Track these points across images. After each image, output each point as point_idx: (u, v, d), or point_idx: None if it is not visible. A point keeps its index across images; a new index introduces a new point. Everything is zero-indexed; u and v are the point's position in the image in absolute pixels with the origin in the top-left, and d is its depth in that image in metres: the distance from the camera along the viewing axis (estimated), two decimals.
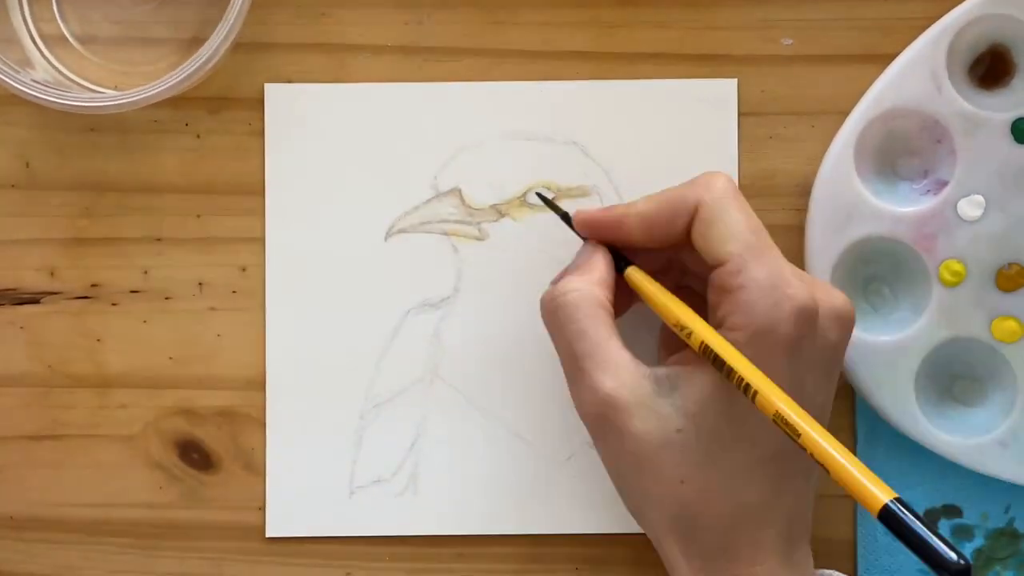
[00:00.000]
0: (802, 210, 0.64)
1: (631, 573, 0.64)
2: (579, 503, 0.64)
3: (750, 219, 0.57)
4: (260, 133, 0.64)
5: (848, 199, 0.62)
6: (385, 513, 0.64)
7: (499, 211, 0.64)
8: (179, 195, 0.64)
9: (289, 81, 0.64)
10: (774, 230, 0.63)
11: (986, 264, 0.62)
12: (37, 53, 0.64)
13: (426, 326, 0.64)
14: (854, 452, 0.64)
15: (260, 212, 0.64)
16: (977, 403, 0.63)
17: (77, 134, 0.64)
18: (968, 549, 0.64)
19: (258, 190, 0.64)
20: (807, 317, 0.55)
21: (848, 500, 0.64)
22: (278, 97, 0.64)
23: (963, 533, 0.64)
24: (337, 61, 0.64)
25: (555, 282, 0.59)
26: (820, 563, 0.64)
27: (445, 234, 0.64)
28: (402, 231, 0.64)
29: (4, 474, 0.65)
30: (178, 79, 0.60)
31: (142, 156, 0.64)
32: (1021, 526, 0.64)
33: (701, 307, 0.58)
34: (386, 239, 0.64)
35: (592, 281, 0.58)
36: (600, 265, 0.58)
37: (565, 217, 0.61)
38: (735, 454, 0.55)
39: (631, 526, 0.64)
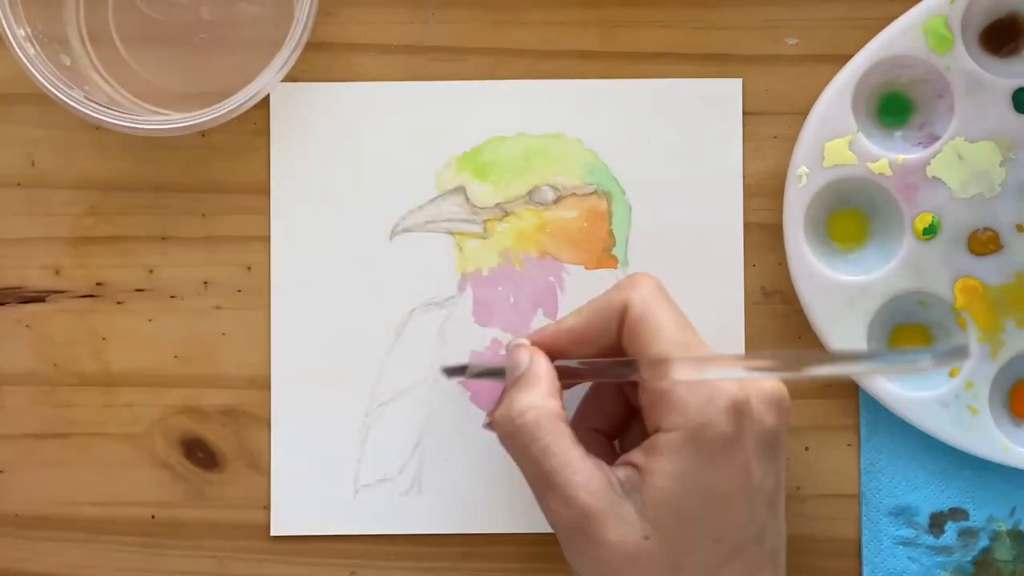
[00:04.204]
0: None
1: None
2: None
3: (677, 317, 0.57)
4: (265, 132, 0.64)
5: (838, 133, 0.62)
6: (390, 512, 0.64)
7: (504, 210, 0.64)
8: (184, 194, 0.65)
9: (294, 80, 0.64)
10: (777, 230, 0.64)
11: (961, 224, 0.62)
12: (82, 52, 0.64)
13: (431, 325, 0.64)
14: (858, 455, 0.64)
15: (265, 211, 0.64)
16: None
17: (82, 133, 0.64)
18: (975, 551, 0.64)
19: (263, 189, 0.64)
20: (740, 408, 0.55)
21: (835, 498, 0.64)
22: (283, 96, 0.64)
23: (969, 536, 0.64)
24: (342, 60, 0.64)
25: (502, 401, 0.58)
26: (825, 563, 0.64)
27: (450, 233, 0.64)
28: (407, 230, 0.64)
29: (9, 473, 0.65)
30: (242, 100, 0.60)
31: (147, 155, 0.64)
32: None
33: (633, 416, 0.59)
34: (391, 238, 0.64)
35: (544, 394, 0.57)
36: (544, 373, 0.58)
37: (459, 371, 0.61)
38: (702, 554, 0.55)
39: None
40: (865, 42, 0.63)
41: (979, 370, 0.62)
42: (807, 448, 0.64)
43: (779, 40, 0.65)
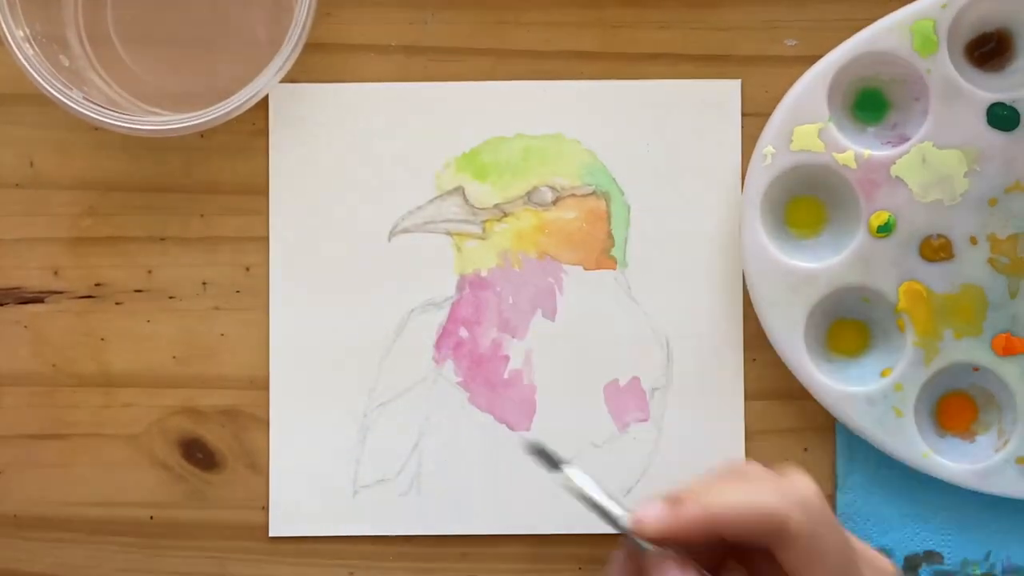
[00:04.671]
0: None
1: None
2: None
3: (843, 548, 0.52)
4: (264, 133, 0.64)
5: (809, 119, 0.62)
6: (389, 513, 0.64)
7: (503, 210, 0.64)
8: (183, 195, 0.65)
9: (293, 81, 0.64)
10: None
11: (916, 228, 0.62)
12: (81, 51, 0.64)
13: (430, 325, 0.64)
14: (834, 497, 0.64)
15: (264, 212, 0.64)
16: (857, 354, 0.64)
17: (81, 133, 0.64)
18: None
19: (262, 190, 0.64)
20: None
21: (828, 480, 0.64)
22: (282, 97, 0.64)
23: None
24: (341, 61, 0.64)
25: None
26: None
27: (448, 234, 0.64)
28: (405, 230, 0.64)
29: (8, 473, 0.65)
30: (240, 101, 0.60)
31: (146, 155, 0.64)
32: (1001, 572, 0.64)
33: None
34: (390, 239, 0.64)
35: None
36: None
37: (549, 460, 0.54)
38: None
39: None
40: None
41: (910, 374, 0.62)
42: (806, 449, 0.64)
43: (778, 41, 0.65)
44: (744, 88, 0.64)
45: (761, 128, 0.64)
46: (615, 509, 0.52)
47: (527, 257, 0.64)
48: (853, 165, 0.62)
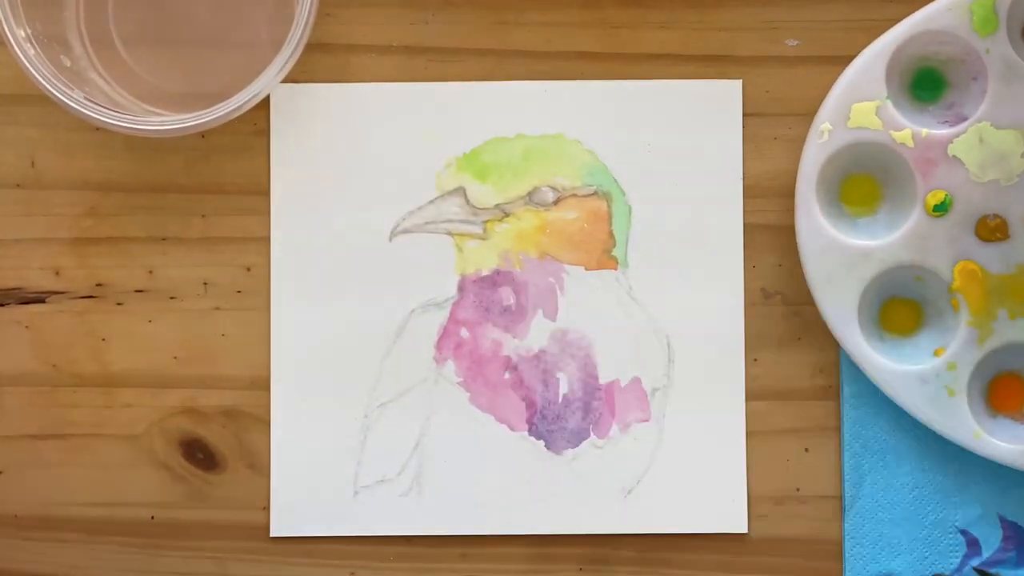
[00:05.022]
0: None
1: (634, 573, 0.64)
2: (583, 503, 0.64)
3: None
4: (265, 133, 0.64)
5: (867, 96, 0.62)
6: (389, 513, 0.64)
7: (504, 211, 0.64)
8: (184, 195, 0.65)
9: (294, 81, 0.64)
10: (777, 231, 0.64)
11: (973, 207, 0.62)
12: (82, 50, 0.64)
13: (430, 326, 0.64)
14: (841, 520, 0.64)
15: (265, 212, 0.64)
16: (910, 333, 0.64)
17: (82, 134, 0.64)
18: None
19: (263, 190, 0.64)
20: None
21: (835, 500, 0.64)
22: (283, 97, 0.64)
23: None
24: (342, 61, 0.64)
25: None
26: (826, 564, 0.64)
27: (449, 234, 0.64)
28: (406, 231, 0.64)
29: (9, 473, 0.65)
30: (242, 101, 0.60)
31: (147, 156, 0.64)
32: None
33: None
34: (390, 239, 0.64)
35: None
36: None
37: None
38: None
39: (634, 526, 0.64)
40: (865, 44, 0.63)
41: (964, 354, 0.62)
42: (807, 449, 0.64)
43: (779, 41, 0.65)
44: (745, 88, 0.64)
45: (762, 128, 0.64)
46: None
47: (528, 257, 0.64)
48: (911, 144, 0.62)
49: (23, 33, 0.60)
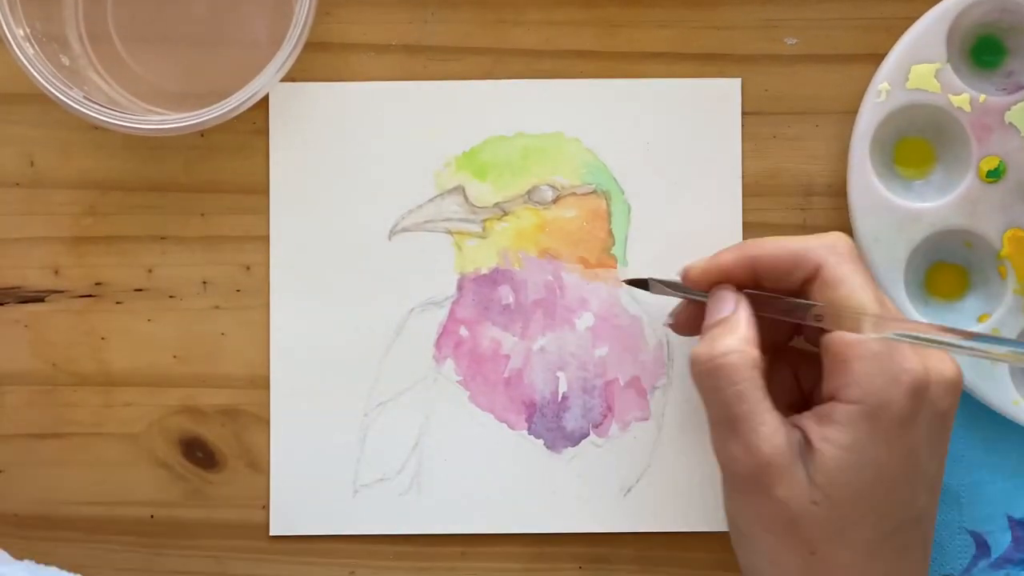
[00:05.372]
0: (806, 209, 0.64)
1: (634, 572, 0.64)
2: (583, 502, 0.64)
3: (873, 288, 0.57)
4: (264, 132, 0.64)
5: (927, 59, 0.62)
6: (389, 512, 0.64)
7: (503, 209, 0.64)
8: (183, 194, 0.65)
9: (293, 80, 0.64)
10: (777, 230, 0.64)
11: None
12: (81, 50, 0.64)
13: (430, 324, 0.64)
14: None
15: (264, 210, 0.64)
16: (955, 298, 0.64)
17: (81, 133, 0.64)
18: None
19: (262, 189, 0.64)
20: (920, 390, 0.55)
21: None
22: (282, 96, 0.64)
23: None
24: (341, 60, 0.64)
25: (704, 339, 0.58)
26: None
27: (448, 232, 0.64)
28: (406, 229, 0.64)
29: (8, 472, 0.65)
30: (240, 100, 0.60)
31: (146, 155, 0.64)
32: None
33: (798, 361, 0.60)
34: (390, 238, 0.64)
35: (745, 340, 0.57)
36: (745, 321, 0.57)
37: (642, 284, 0.61)
38: (863, 529, 0.55)
39: (634, 525, 0.64)
40: (864, 43, 0.63)
41: (1009, 321, 0.62)
42: None
43: (778, 40, 0.65)
44: (744, 87, 0.64)
45: (761, 127, 0.64)
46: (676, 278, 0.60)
47: (527, 256, 0.64)
48: (968, 108, 0.62)
49: (22, 32, 0.60)
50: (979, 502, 0.64)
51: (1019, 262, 0.62)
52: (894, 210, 0.62)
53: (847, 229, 0.62)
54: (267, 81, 0.60)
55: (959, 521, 0.64)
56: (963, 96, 0.62)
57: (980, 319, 0.63)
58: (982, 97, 0.62)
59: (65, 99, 0.60)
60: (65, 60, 0.62)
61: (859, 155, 0.62)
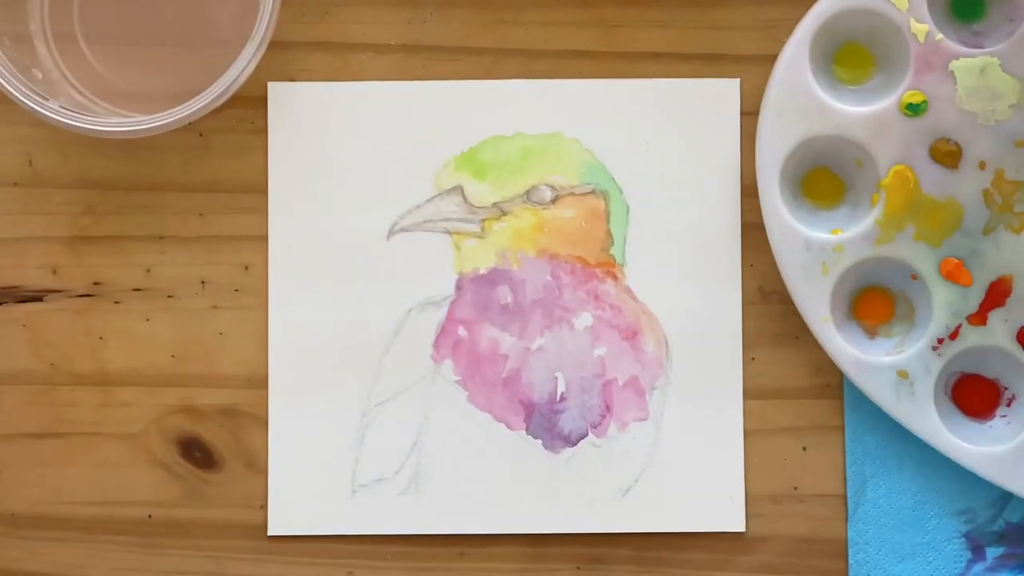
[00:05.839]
0: None
1: (632, 573, 0.64)
2: (581, 502, 0.64)
3: None
4: (263, 131, 0.64)
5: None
6: (387, 512, 0.64)
7: (501, 209, 0.64)
8: (182, 193, 0.65)
9: (292, 80, 0.64)
10: None
11: (940, 125, 0.62)
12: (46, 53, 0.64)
13: (428, 324, 0.64)
14: (845, 525, 0.64)
15: (263, 210, 0.64)
16: (824, 205, 0.64)
17: (79, 133, 0.64)
18: None
19: (261, 188, 0.64)
20: None
21: (833, 499, 0.64)
22: (281, 95, 0.64)
23: None
24: (340, 59, 0.65)
25: None
26: (823, 563, 0.64)
27: (447, 232, 0.64)
28: (404, 229, 0.64)
29: (6, 472, 0.65)
30: (210, 99, 0.59)
31: (145, 154, 0.64)
32: None
33: None
34: (388, 237, 0.64)
35: None
36: None
37: None
38: None
39: (632, 526, 0.64)
40: None
41: (855, 244, 0.62)
42: (804, 448, 0.64)
43: (777, 40, 0.65)
44: (743, 87, 0.64)
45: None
46: None
47: (526, 256, 0.64)
48: (921, 39, 0.62)
49: None
50: (974, 507, 0.64)
51: (893, 196, 0.62)
52: (809, 95, 0.62)
53: None
54: (229, 83, 0.59)
55: (954, 526, 0.64)
56: (923, 26, 0.62)
57: (833, 232, 0.63)
58: (939, 36, 0.62)
59: (44, 111, 0.60)
60: (38, 73, 0.62)
61: (804, 31, 0.62)
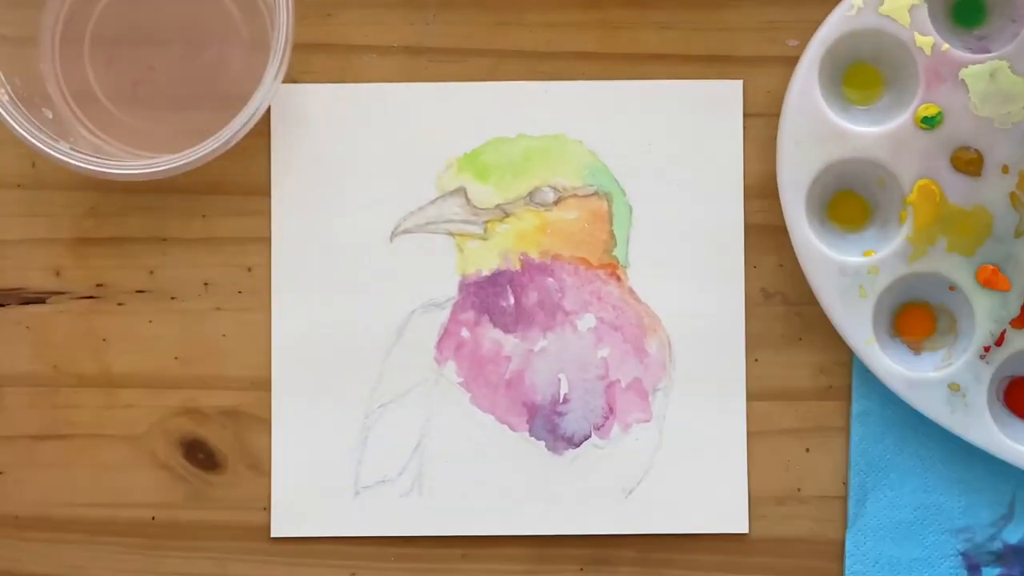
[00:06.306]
0: None
1: (636, 574, 0.64)
2: (584, 504, 0.64)
3: None
4: (266, 133, 0.64)
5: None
6: (390, 513, 0.64)
7: (504, 211, 0.64)
8: (185, 195, 0.65)
9: (295, 81, 0.64)
10: (778, 231, 0.64)
11: (958, 134, 0.62)
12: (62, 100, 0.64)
13: (431, 326, 0.64)
14: (843, 539, 0.64)
15: (266, 212, 0.64)
16: (852, 228, 0.64)
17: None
18: None
19: (264, 190, 0.64)
20: None
21: (836, 500, 0.64)
22: (284, 97, 0.64)
23: None
24: (342, 61, 0.65)
25: None
26: (825, 564, 0.64)
27: (450, 234, 0.64)
28: (407, 231, 0.64)
29: (9, 474, 0.65)
30: (219, 143, 0.60)
31: None
32: None
33: None
34: (391, 239, 0.64)
35: None
36: None
37: None
38: None
39: (635, 527, 0.64)
40: None
41: (891, 264, 0.62)
42: (808, 450, 0.64)
43: (780, 42, 0.65)
44: (746, 89, 0.64)
45: (763, 129, 0.64)
46: None
47: (529, 257, 0.64)
48: (928, 51, 0.62)
49: (4, 94, 0.60)
50: (972, 525, 0.64)
51: (921, 211, 0.62)
52: (824, 122, 0.62)
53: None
54: (240, 126, 0.59)
55: (952, 543, 0.64)
56: (928, 39, 0.62)
57: (865, 254, 0.63)
58: (945, 46, 0.62)
59: (54, 153, 0.59)
60: (48, 113, 0.62)
61: (811, 59, 0.62)
